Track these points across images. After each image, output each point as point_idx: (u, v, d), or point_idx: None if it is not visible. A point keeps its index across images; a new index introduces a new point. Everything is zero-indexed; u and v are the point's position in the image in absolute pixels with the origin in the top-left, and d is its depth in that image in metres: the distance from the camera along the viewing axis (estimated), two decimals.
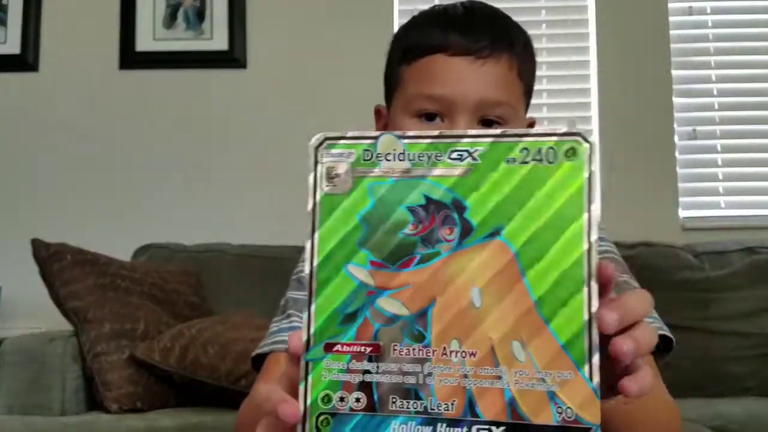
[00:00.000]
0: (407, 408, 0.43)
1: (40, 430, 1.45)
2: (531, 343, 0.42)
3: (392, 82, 0.86)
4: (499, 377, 0.42)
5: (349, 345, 0.44)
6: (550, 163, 0.43)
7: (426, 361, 0.43)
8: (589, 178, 0.43)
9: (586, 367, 0.41)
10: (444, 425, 0.42)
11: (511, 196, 0.43)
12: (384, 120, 0.89)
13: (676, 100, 2.38)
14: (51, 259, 1.69)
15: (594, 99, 2.40)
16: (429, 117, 0.79)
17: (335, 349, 0.44)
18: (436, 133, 0.46)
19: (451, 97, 0.78)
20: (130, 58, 2.44)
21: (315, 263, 0.45)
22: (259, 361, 0.84)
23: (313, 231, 0.45)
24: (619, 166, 2.35)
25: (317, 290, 0.45)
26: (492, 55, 0.78)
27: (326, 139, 0.46)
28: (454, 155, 0.44)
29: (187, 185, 2.39)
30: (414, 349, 0.43)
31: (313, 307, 0.45)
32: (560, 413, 0.41)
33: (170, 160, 2.40)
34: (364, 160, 0.45)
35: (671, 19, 2.41)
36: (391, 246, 0.44)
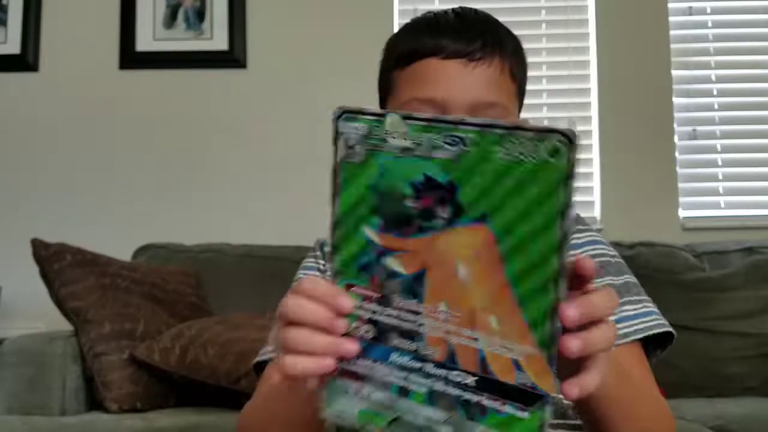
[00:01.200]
0: (403, 346, 0.50)
1: (40, 430, 1.45)
2: (503, 320, 0.47)
3: (385, 88, 0.86)
4: (476, 339, 0.48)
5: (362, 289, 0.52)
6: (533, 158, 0.45)
7: (419, 314, 0.50)
8: (568, 177, 0.45)
9: (547, 351, 0.46)
10: (431, 365, 0.50)
11: (496, 185, 0.47)
12: None
13: (676, 100, 2.39)
14: (51, 259, 1.68)
15: (594, 99, 2.40)
16: None
17: (353, 289, 0.52)
18: (434, 116, 0.50)
19: (444, 99, 0.78)
20: (130, 58, 2.44)
21: (338, 220, 0.52)
22: (261, 365, 0.84)
23: (336, 194, 0.52)
24: (619, 166, 2.35)
25: (340, 243, 0.52)
26: (484, 57, 0.79)
27: (344, 112, 0.51)
28: (449, 140, 0.48)
29: (187, 185, 2.39)
30: (410, 303, 0.50)
31: (339, 255, 0.52)
32: (521, 378, 0.47)
33: (170, 159, 2.40)
34: (374, 135, 0.50)
35: (671, 19, 2.41)
36: (395, 215, 0.50)
